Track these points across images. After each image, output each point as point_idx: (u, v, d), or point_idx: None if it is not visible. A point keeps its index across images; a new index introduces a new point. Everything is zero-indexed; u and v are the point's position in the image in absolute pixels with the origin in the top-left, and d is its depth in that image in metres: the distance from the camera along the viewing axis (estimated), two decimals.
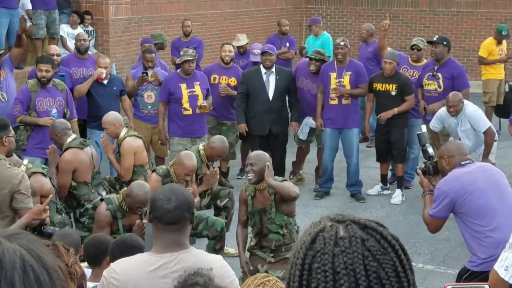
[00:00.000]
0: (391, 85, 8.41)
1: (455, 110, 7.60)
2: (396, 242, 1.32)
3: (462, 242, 5.14)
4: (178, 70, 8.52)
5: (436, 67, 8.46)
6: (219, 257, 3.26)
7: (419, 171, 5.00)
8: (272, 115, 8.52)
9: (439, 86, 8.40)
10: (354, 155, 8.61)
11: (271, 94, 8.53)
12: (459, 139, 7.81)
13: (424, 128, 5.59)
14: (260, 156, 5.59)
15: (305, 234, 1.36)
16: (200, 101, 8.30)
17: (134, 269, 3.05)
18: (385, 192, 8.80)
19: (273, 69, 8.59)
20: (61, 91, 7.68)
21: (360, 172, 8.75)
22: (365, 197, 8.63)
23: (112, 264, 3.18)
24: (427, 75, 8.51)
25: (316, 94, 8.63)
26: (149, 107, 8.63)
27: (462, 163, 4.75)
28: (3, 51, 8.86)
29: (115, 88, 8.44)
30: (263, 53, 8.71)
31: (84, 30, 10.68)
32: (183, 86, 8.30)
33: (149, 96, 8.63)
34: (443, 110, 7.82)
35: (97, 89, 8.34)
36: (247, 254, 5.72)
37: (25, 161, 6.35)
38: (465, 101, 7.82)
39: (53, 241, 4.41)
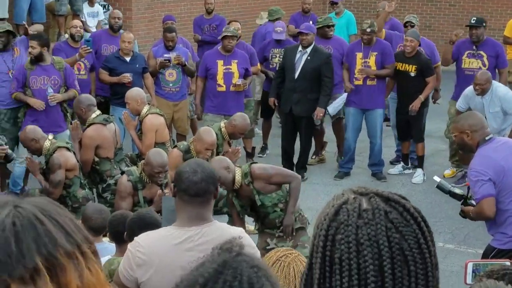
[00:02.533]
0: (410, 66, 8.33)
1: (481, 89, 7.54)
2: (418, 214, 1.34)
3: (483, 222, 5.09)
4: (219, 47, 8.52)
5: (475, 46, 8.37)
6: (240, 229, 3.30)
7: (463, 208, 4.78)
8: (295, 95, 8.36)
9: (484, 65, 8.30)
10: (377, 135, 8.58)
11: (297, 73, 8.41)
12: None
13: (437, 178, 5.21)
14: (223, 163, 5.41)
15: (328, 206, 1.37)
16: (236, 79, 8.32)
17: (159, 242, 3.07)
18: (407, 171, 8.78)
19: (308, 49, 8.41)
20: (59, 70, 7.57)
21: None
22: (386, 177, 8.61)
23: (136, 238, 3.19)
24: (466, 52, 8.40)
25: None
26: (171, 84, 8.65)
27: (486, 138, 4.64)
28: (24, 23, 8.84)
29: (137, 65, 8.46)
30: (299, 32, 8.64)
31: (101, 5, 10.71)
32: (220, 62, 8.34)
33: (171, 74, 8.65)
34: (469, 90, 7.75)
35: (120, 66, 8.37)
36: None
37: (50, 136, 6.44)
38: (496, 83, 7.75)
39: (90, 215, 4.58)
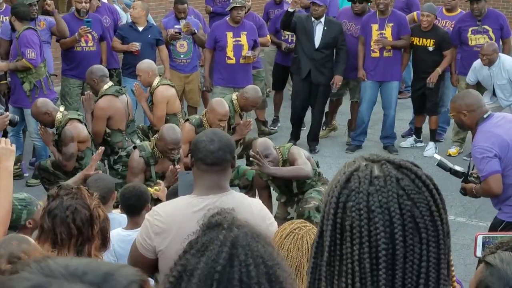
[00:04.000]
0: (428, 40, 8.24)
1: (488, 59, 7.49)
2: (430, 181, 1.32)
3: None
4: (227, 18, 8.46)
5: (478, 21, 8.20)
6: (258, 200, 3.30)
7: (465, 186, 4.77)
8: (315, 63, 8.36)
9: (490, 39, 8.13)
10: (392, 107, 8.55)
11: (317, 43, 8.35)
12: (494, 94, 7.70)
13: (437, 156, 5.20)
14: (268, 146, 5.51)
15: (339, 174, 1.36)
16: (245, 51, 8.27)
17: (178, 210, 3.06)
18: (418, 144, 8.75)
19: (322, 20, 8.39)
20: (15, 39, 7.34)
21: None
22: (397, 150, 8.58)
23: (154, 207, 3.20)
24: (470, 29, 8.21)
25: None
26: (182, 56, 8.62)
27: (485, 116, 4.63)
28: None
29: (150, 36, 8.43)
30: (312, 3, 8.55)
31: None
32: (229, 34, 8.29)
33: (182, 45, 8.61)
34: (477, 62, 7.71)
35: (132, 37, 8.34)
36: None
37: (61, 108, 6.45)
38: (503, 55, 7.68)
39: (88, 186, 4.52)
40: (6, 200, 3.34)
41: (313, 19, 8.40)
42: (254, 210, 3.10)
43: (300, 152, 5.55)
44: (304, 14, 8.76)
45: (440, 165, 4.91)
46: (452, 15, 8.72)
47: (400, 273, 1.25)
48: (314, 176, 5.57)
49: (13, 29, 7.42)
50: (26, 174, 7.68)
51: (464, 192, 4.85)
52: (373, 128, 8.99)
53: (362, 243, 1.26)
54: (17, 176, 7.30)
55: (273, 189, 5.73)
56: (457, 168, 4.88)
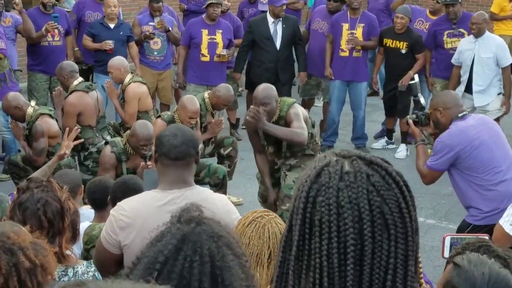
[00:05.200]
0: (401, 43, 8.28)
1: (478, 28, 7.61)
2: (400, 178, 1.32)
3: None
4: (203, 15, 8.42)
5: (453, 24, 8.21)
6: (223, 195, 3.30)
7: (410, 121, 4.88)
8: (279, 64, 8.38)
9: None
10: (361, 108, 8.57)
11: (278, 43, 8.40)
12: (470, 75, 7.70)
13: (416, 77, 5.42)
14: (270, 95, 5.42)
15: (310, 168, 1.34)
16: (220, 50, 8.24)
17: (142, 205, 3.07)
18: (390, 146, 8.79)
19: (280, 18, 8.46)
20: None
21: (366, 126, 8.73)
22: (369, 151, 8.59)
23: (119, 203, 3.19)
24: (446, 32, 8.22)
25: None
26: (155, 53, 8.56)
27: (460, 115, 4.66)
28: None
29: (121, 33, 8.36)
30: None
31: None
32: (205, 32, 8.26)
33: (155, 42, 8.55)
34: (463, 41, 7.83)
35: (103, 33, 8.27)
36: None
37: (33, 103, 6.38)
38: (492, 34, 7.79)
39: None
40: None
41: (271, 19, 8.40)
42: (219, 205, 3.11)
43: (299, 115, 5.42)
44: (258, 17, 8.73)
45: (412, 86, 5.17)
46: (435, 18, 8.70)
47: (368, 269, 1.25)
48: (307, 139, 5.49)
49: None
50: None
51: (408, 128, 5.01)
52: (345, 129, 9.01)
53: (331, 238, 1.26)
54: None
55: (261, 138, 5.63)
56: (421, 100, 5.08)
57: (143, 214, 3.03)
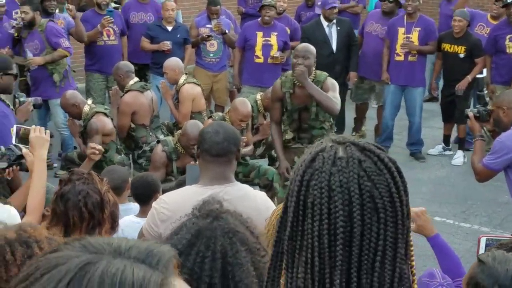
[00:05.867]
0: (460, 47, 8.13)
1: None
2: (392, 164, 1.35)
3: None
4: (259, 19, 8.50)
5: None
6: (263, 192, 3.35)
7: (471, 114, 4.84)
8: (337, 67, 8.32)
9: None
10: (417, 114, 8.44)
11: (334, 46, 8.39)
12: None
13: (485, 72, 5.33)
14: (311, 50, 5.62)
15: (306, 153, 1.37)
16: (274, 52, 8.29)
17: (183, 199, 3.12)
18: (447, 152, 8.62)
19: (334, 21, 8.45)
20: (40, 33, 7.39)
21: (422, 131, 8.60)
22: (425, 157, 8.48)
23: (162, 196, 3.29)
24: (508, 36, 7.99)
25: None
26: (211, 55, 8.66)
27: None
28: None
29: (179, 35, 8.52)
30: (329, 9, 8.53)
31: None
32: (259, 34, 8.35)
33: (212, 44, 8.65)
34: None
35: (161, 35, 8.43)
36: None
37: (89, 101, 6.55)
38: None
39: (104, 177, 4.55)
40: (40, 187, 3.47)
41: (325, 22, 8.38)
42: (258, 201, 3.14)
43: (336, 87, 5.57)
44: (313, 21, 8.74)
45: (480, 80, 5.11)
46: (497, 22, 8.49)
47: (356, 250, 1.30)
48: (331, 125, 5.65)
49: (29, 26, 7.40)
50: (55, 165, 7.79)
51: (471, 123, 4.92)
52: (401, 134, 8.90)
53: (322, 220, 1.30)
54: (47, 166, 7.41)
55: (285, 117, 5.77)
56: (486, 96, 5.08)
57: (184, 207, 3.05)
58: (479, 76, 5.31)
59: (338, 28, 8.41)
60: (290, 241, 1.34)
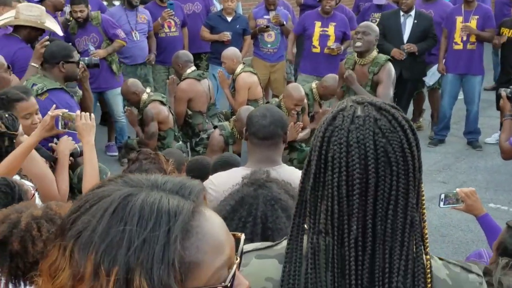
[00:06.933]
0: None
1: None
2: (406, 122, 1.46)
3: None
4: (319, 9, 8.60)
5: None
6: None
7: (503, 94, 4.88)
8: (405, 59, 8.28)
9: None
10: (475, 102, 8.39)
11: (406, 37, 8.38)
12: None
13: None
14: (373, 28, 5.76)
15: (329, 112, 1.49)
16: (331, 42, 8.38)
17: (230, 179, 3.18)
18: None
19: (412, 13, 8.42)
20: (96, 26, 7.54)
21: (480, 120, 8.54)
22: (481, 145, 8.42)
23: (210, 176, 3.39)
24: None
25: None
26: (269, 45, 8.79)
27: None
28: None
29: (238, 26, 8.67)
30: None
31: None
32: (318, 24, 8.45)
33: (269, 35, 8.79)
34: None
35: (221, 25, 8.61)
36: None
37: (148, 89, 6.77)
38: None
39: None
40: (93, 172, 3.53)
41: (402, 13, 8.38)
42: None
43: (391, 79, 5.66)
44: (392, 10, 8.76)
45: None
46: None
47: (371, 199, 1.43)
48: None
49: (81, 24, 7.48)
50: (115, 153, 8.01)
51: (503, 101, 5.02)
52: (458, 123, 8.85)
53: (341, 172, 1.44)
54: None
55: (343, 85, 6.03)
56: None
57: (229, 188, 3.21)
58: None
59: (415, 21, 8.37)
60: (312, 191, 1.48)
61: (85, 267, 0.95)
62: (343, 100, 1.54)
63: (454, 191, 3.47)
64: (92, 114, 3.75)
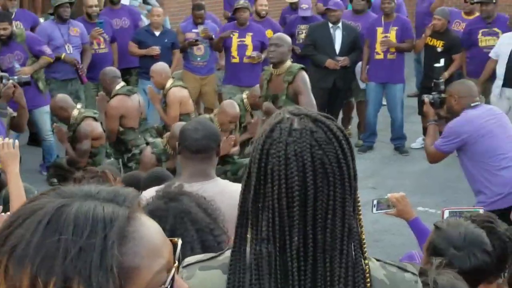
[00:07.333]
0: (438, 41, 8.48)
1: None
2: (341, 133, 1.53)
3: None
4: (235, 21, 8.76)
5: (488, 23, 8.38)
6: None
7: (426, 100, 5.16)
8: (338, 70, 8.59)
9: None
10: (398, 109, 8.71)
11: (337, 48, 8.65)
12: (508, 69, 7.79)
13: (442, 62, 5.68)
14: (285, 39, 5.90)
15: (267, 124, 1.56)
16: (249, 52, 8.49)
17: None
18: None
19: (339, 25, 8.70)
20: (20, 43, 7.43)
21: (405, 126, 8.84)
22: (408, 150, 8.71)
23: (143, 192, 3.31)
24: (481, 31, 8.40)
25: None
26: (199, 59, 8.85)
27: (472, 104, 4.92)
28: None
29: (166, 40, 8.70)
30: (327, 9, 8.86)
31: None
32: (235, 35, 8.53)
33: (199, 48, 8.84)
34: (506, 34, 7.97)
35: (149, 40, 8.62)
36: None
37: (78, 105, 6.69)
38: None
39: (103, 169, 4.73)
40: (19, 202, 3.39)
41: (330, 24, 8.64)
42: (234, 197, 3.21)
43: (308, 86, 5.77)
44: (319, 22, 9.00)
45: (437, 69, 5.69)
46: (471, 18, 8.96)
47: (311, 210, 1.48)
48: None
49: (5, 41, 7.36)
50: (44, 172, 7.86)
51: (426, 107, 5.26)
52: (385, 130, 9.11)
53: (280, 185, 1.49)
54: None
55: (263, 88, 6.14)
56: (441, 86, 5.52)
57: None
58: (436, 65, 5.66)
59: (344, 33, 8.66)
60: (254, 202, 1.53)
61: (21, 281, 0.95)
62: (279, 111, 1.59)
63: (386, 197, 3.57)
64: (16, 141, 3.62)
